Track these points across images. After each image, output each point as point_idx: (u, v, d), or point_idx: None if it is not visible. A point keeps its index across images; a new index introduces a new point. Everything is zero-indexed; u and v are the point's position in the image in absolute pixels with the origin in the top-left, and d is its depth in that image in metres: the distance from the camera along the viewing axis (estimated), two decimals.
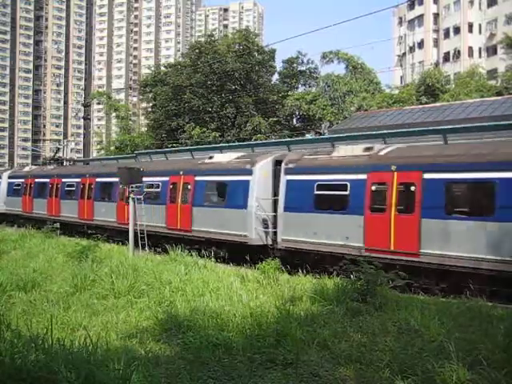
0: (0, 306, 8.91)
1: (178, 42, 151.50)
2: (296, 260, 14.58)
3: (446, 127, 17.61)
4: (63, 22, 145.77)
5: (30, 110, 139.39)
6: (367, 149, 14.35)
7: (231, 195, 17.06)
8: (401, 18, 72.11)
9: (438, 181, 12.16)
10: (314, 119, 45.04)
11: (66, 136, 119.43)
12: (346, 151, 15.07)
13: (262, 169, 16.44)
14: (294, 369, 6.16)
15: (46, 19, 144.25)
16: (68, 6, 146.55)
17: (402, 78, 64.95)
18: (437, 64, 57.58)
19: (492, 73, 48.02)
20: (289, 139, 31.20)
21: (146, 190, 19.15)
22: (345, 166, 14.30)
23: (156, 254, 17.37)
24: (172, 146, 41.32)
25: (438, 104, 31.71)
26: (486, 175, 11.52)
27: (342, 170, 14.24)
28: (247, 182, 16.38)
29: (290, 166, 15.72)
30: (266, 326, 7.39)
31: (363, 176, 13.55)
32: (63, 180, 26.74)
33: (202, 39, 55.11)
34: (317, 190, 14.68)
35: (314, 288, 10.09)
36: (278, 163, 16.29)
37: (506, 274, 10.73)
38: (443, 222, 11.89)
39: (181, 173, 19.08)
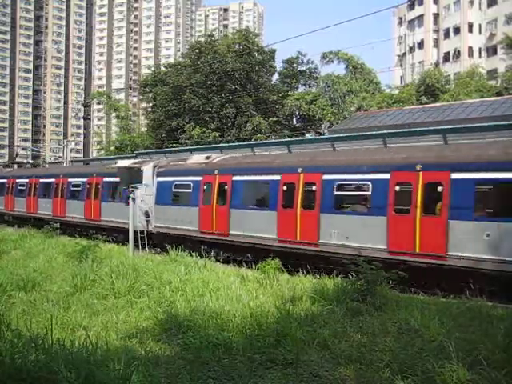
0: (0, 305, 8.91)
1: (178, 42, 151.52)
2: (167, 242, 17.56)
3: (446, 127, 17.60)
4: (63, 22, 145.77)
5: (30, 110, 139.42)
6: (207, 157, 19.20)
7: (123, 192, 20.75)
8: (401, 18, 72.11)
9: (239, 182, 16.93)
10: (314, 119, 45.05)
11: (66, 136, 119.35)
12: (195, 159, 19.79)
13: (146, 172, 20.20)
14: (294, 369, 6.16)
15: (46, 19, 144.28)
16: (68, 6, 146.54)
17: (402, 77, 64.99)
18: (437, 64, 57.59)
19: (492, 73, 48.02)
20: (289, 139, 31.20)
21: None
22: (190, 170, 18.97)
23: (156, 253, 17.38)
24: (172, 146, 41.33)
25: (438, 104, 31.71)
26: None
27: (188, 173, 18.99)
28: None
29: (160, 170, 20.42)
30: (266, 326, 7.39)
31: (200, 178, 18.12)
32: (40, 180, 29.37)
33: (202, 39, 55.14)
34: (174, 189, 19.39)
35: (314, 288, 10.08)
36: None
37: None
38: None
39: (94, 175, 24.43)
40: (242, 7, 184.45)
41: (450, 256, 11.66)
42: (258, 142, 32.90)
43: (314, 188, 14.70)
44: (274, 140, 38.31)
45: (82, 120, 78.79)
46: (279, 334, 7.00)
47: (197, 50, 49.48)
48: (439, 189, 12.05)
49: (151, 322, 8.14)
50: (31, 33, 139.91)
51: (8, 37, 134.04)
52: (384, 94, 44.03)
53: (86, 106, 56.90)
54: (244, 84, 48.04)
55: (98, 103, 75.29)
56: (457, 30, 61.49)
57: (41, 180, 29.29)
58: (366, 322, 8.04)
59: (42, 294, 10.20)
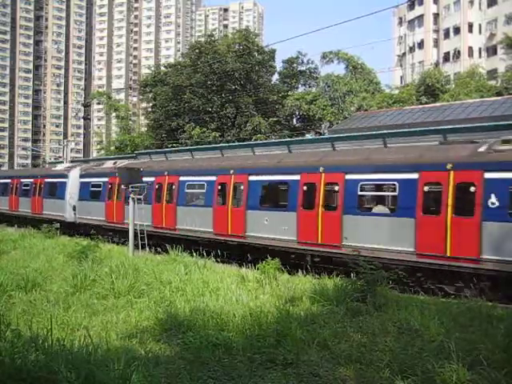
0: (0, 306, 8.91)
1: (178, 42, 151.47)
2: (89, 231, 22.94)
3: (446, 127, 17.61)
4: (63, 22, 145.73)
5: (30, 110, 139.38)
6: (114, 163, 25.00)
7: (56, 191, 27.42)
8: (401, 18, 72.11)
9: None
10: (314, 119, 45.05)
11: (66, 136, 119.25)
12: (107, 164, 26.00)
13: (74, 174, 26.58)
14: (294, 369, 6.16)
15: (46, 19, 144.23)
16: (68, 6, 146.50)
17: (402, 77, 64.99)
18: (437, 64, 57.60)
19: (492, 73, 48.01)
20: (289, 139, 31.21)
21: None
22: (101, 173, 24.15)
23: (156, 253, 17.38)
24: (172, 146, 41.34)
25: (438, 104, 31.72)
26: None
27: (100, 175, 24.21)
28: (65, 182, 26.76)
29: (83, 172, 26.04)
30: (265, 326, 7.39)
31: (106, 179, 23.19)
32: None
33: (202, 39, 55.12)
34: (91, 187, 24.52)
35: (314, 288, 10.08)
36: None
37: None
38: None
39: (38, 177, 29.89)
40: (242, 7, 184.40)
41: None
42: (258, 142, 32.90)
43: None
44: (274, 140, 38.32)
45: (82, 120, 78.95)
46: (279, 334, 7.00)
47: (197, 50, 49.47)
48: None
49: (151, 322, 8.14)
50: (31, 33, 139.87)
51: (8, 37, 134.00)
52: (384, 94, 44.03)
53: (86, 105, 56.99)
54: (244, 84, 48.03)
55: (98, 103, 75.30)
56: (457, 30, 61.49)
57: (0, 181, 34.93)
58: (365, 322, 8.03)
59: (42, 294, 10.20)
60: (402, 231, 12.54)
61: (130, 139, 51.44)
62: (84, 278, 11.08)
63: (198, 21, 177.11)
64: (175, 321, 7.90)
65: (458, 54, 59.76)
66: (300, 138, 34.84)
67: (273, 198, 17.14)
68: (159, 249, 18.47)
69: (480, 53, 59.35)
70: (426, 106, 31.39)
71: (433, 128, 18.26)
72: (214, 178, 17.83)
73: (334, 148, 18.65)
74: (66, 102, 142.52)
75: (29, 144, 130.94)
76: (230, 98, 46.66)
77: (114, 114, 61.75)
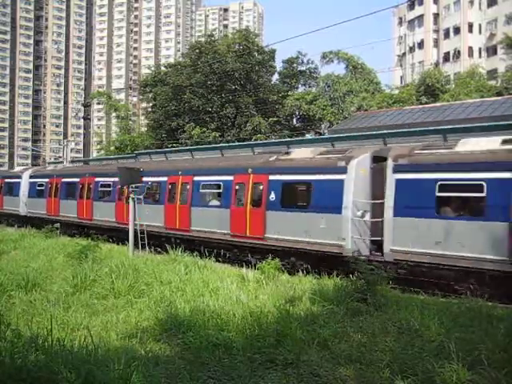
0: (0, 306, 8.91)
1: (178, 42, 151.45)
2: (35, 222, 27.55)
3: (446, 127, 17.60)
4: (63, 22, 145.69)
5: (30, 110, 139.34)
6: (55, 167, 27.61)
7: (13, 190, 31.65)
8: (401, 18, 72.08)
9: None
10: (314, 119, 45.04)
11: (66, 136, 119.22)
12: (49, 168, 27.85)
13: (26, 175, 31.00)
14: (294, 369, 6.16)
15: (46, 19, 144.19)
16: (68, 6, 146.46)
17: (402, 77, 64.97)
18: (437, 64, 57.57)
19: (492, 73, 48.00)
20: (289, 139, 31.20)
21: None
22: (46, 174, 29.16)
23: (156, 253, 17.38)
24: (172, 146, 41.33)
25: (438, 104, 31.70)
26: None
27: (44, 176, 29.35)
28: (19, 182, 31.38)
29: (32, 174, 30.80)
30: (266, 325, 7.39)
31: (47, 180, 28.43)
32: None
33: (202, 39, 55.09)
34: (37, 187, 29.30)
35: (314, 288, 10.08)
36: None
37: None
38: None
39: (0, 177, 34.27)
40: (242, 7, 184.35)
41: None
42: (258, 142, 32.89)
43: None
44: (274, 140, 38.30)
45: (82, 120, 78.88)
46: (279, 334, 7.00)
47: (197, 50, 49.44)
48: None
49: (151, 322, 8.14)
50: (31, 33, 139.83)
51: (8, 37, 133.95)
52: (384, 94, 44.00)
53: (86, 105, 56.90)
54: (244, 84, 48.02)
55: (98, 103, 75.32)
56: (457, 30, 61.47)
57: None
58: (366, 322, 8.04)
59: (42, 294, 10.20)
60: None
61: (130, 139, 51.41)
62: (84, 277, 11.09)
63: (197, 21, 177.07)
64: (175, 321, 7.90)
65: (457, 53, 59.75)
66: (300, 138, 34.83)
67: None
68: (159, 249, 18.49)
69: (480, 53, 59.34)
70: (426, 106, 31.37)
71: (433, 128, 18.26)
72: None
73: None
74: (66, 102, 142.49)
75: (29, 144, 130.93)
76: (230, 98, 46.64)
77: (114, 114, 61.71)
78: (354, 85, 44.34)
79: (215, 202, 18.07)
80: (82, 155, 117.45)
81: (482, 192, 11.26)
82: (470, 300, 9.37)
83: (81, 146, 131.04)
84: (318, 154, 15.45)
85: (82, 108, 56.44)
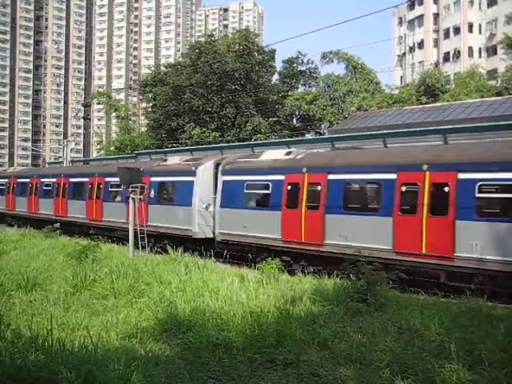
0: (0, 306, 8.91)
1: (178, 42, 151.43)
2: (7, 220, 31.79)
3: (446, 127, 17.61)
4: (63, 22, 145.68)
5: (30, 110, 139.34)
6: (13, 169, 29.32)
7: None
8: (401, 18, 72.08)
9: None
10: (314, 119, 45.01)
11: (66, 136, 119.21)
12: (9, 169, 28.94)
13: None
14: (294, 369, 6.16)
15: (46, 19, 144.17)
16: (68, 6, 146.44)
17: (402, 77, 64.95)
18: (437, 64, 57.56)
19: (492, 73, 47.99)
20: (289, 139, 31.20)
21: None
22: (5, 176, 30.66)
23: (156, 253, 17.38)
24: (172, 146, 41.32)
25: (438, 104, 31.70)
26: None
27: (3, 177, 33.50)
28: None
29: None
30: (266, 326, 7.38)
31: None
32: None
33: (202, 39, 55.06)
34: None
35: (314, 288, 10.08)
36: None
37: None
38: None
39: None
40: (242, 7, 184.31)
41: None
42: (258, 142, 32.89)
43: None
44: (273, 140, 38.30)
45: (82, 120, 78.77)
46: (279, 334, 7.00)
47: (197, 50, 49.40)
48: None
49: (151, 322, 8.14)
50: (31, 33, 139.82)
51: (8, 37, 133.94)
52: (384, 94, 43.98)
53: (86, 105, 56.86)
54: (244, 84, 47.99)
55: (98, 103, 75.29)
56: (457, 30, 61.46)
57: None
58: (366, 322, 8.03)
59: (42, 294, 10.20)
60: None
61: (130, 139, 51.39)
62: (84, 277, 11.09)
63: (197, 21, 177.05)
64: (175, 321, 7.90)
65: (458, 53, 59.74)
66: (300, 138, 34.83)
67: None
68: (159, 249, 18.52)
69: (480, 53, 59.32)
70: (426, 106, 31.37)
71: (433, 128, 18.27)
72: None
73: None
74: (66, 102, 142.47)
75: (29, 144, 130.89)
76: (230, 98, 46.62)
77: (114, 114, 61.68)
78: (354, 85, 44.31)
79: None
80: (82, 155, 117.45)
81: (268, 189, 15.96)
82: (470, 300, 9.38)
83: (81, 146, 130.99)
84: (184, 160, 20.18)
85: (82, 108, 56.40)
